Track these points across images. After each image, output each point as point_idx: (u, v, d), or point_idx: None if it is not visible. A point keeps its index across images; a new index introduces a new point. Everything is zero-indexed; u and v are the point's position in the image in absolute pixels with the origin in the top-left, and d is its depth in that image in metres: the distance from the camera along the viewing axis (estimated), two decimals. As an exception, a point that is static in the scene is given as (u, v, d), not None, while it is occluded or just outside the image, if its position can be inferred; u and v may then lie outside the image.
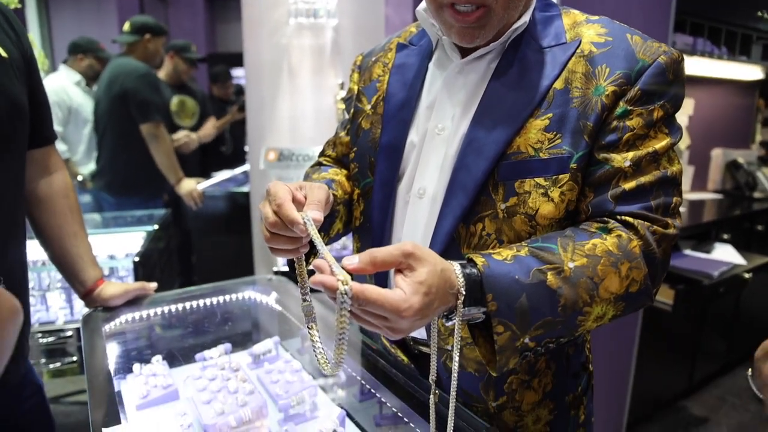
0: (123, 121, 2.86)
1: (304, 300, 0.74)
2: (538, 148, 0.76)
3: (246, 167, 3.78)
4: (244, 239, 2.56)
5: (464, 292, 0.65)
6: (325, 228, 0.92)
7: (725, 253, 2.66)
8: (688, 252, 2.64)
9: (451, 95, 0.85)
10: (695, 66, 2.91)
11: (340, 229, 0.99)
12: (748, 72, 3.44)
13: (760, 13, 3.11)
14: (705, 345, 2.89)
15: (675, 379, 2.83)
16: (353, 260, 0.59)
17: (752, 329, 3.17)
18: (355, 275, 0.60)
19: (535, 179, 0.76)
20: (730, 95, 3.66)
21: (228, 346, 1.09)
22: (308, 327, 0.73)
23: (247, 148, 4.17)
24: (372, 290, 0.57)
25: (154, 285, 1.33)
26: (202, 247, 3.40)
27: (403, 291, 0.58)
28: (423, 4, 0.86)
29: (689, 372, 2.87)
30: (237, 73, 5.50)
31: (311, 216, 0.68)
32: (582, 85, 0.76)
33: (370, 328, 0.61)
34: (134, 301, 1.30)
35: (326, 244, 0.76)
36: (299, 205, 0.71)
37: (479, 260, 0.68)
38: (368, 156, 0.93)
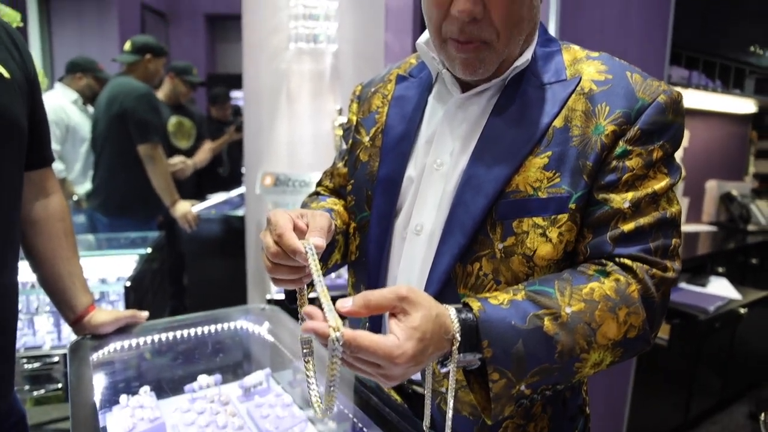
0: (121, 140, 2.86)
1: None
2: (537, 187, 0.75)
3: (242, 189, 3.77)
4: (238, 263, 2.54)
5: (459, 338, 0.64)
6: (324, 258, 0.90)
7: (720, 287, 2.66)
8: (683, 285, 2.63)
9: (451, 130, 0.84)
10: (691, 99, 2.94)
11: (338, 259, 0.97)
12: (741, 105, 3.49)
13: (752, 48, 3.16)
14: (701, 380, 2.87)
15: (671, 415, 2.79)
16: (347, 303, 0.59)
17: (748, 365, 3.15)
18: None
19: (534, 219, 0.76)
20: (725, 127, 3.70)
21: (218, 377, 1.08)
22: (305, 361, 0.71)
23: (244, 170, 4.22)
24: (364, 337, 0.56)
25: (145, 314, 1.31)
26: (196, 270, 3.37)
27: (396, 337, 0.58)
28: (423, 37, 0.86)
29: (685, 408, 2.83)
30: (236, 94, 5.54)
31: (313, 242, 0.67)
32: (582, 124, 0.76)
33: (364, 374, 0.60)
34: (124, 329, 1.27)
35: (324, 274, 0.75)
36: (301, 233, 0.70)
37: (475, 305, 0.68)
38: (365, 189, 0.92)
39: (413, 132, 0.88)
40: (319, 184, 1.10)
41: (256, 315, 1.40)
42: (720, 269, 2.91)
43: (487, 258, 0.78)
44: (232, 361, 1.26)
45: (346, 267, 1.02)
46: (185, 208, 3.01)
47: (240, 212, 3.30)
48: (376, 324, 0.90)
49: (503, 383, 0.67)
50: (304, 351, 0.71)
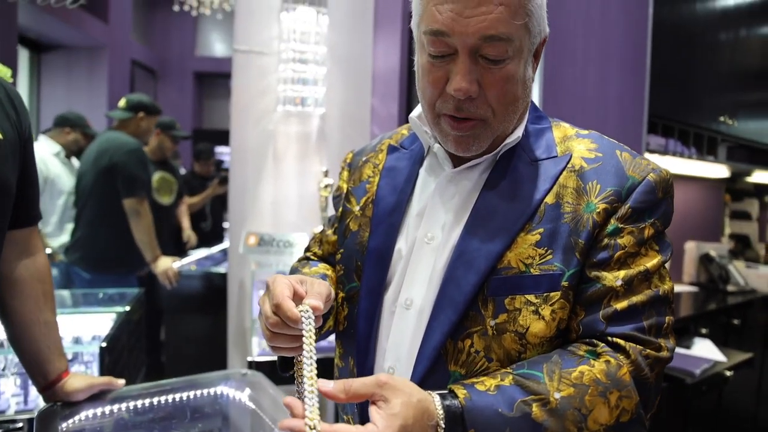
0: (107, 194, 2.85)
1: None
2: (529, 264, 0.75)
3: (225, 245, 3.77)
4: (219, 321, 2.50)
5: (444, 425, 0.63)
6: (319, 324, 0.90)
7: (705, 349, 2.65)
8: (668, 347, 2.61)
9: (443, 203, 0.84)
10: (669, 165, 3.04)
11: (331, 326, 0.96)
12: (715, 170, 3.62)
13: (722, 118, 3.30)
14: (689, 444, 2.82)
15: (660, 482, 2.72)
16: (328, 385, 0.59)
17: (735, 427, 3.12)
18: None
19: (526, 296, 0.75)
20: (701, 191, 3.82)
21: None
22: None
23: (226, 225, 4.12)
24: (342, 428, 0.56)
25: (122, 382, 1.25)
26: (174, 326, 3.29)
27: (375, 426, 0.58)
28: (416, 111, 0.87)
29: (674, 473, 2.77)
30: (220, 149, 5.58)
31: (310, 304, 0.67)
32: (573, 201, 0.76)
33: None
34: (97, 395, 1.22)
35: (316, 341, 0.73)
36: (300, 300, 0.69)
37: (461, 392, 0.67)
38: (355, 259, 0.91)
39: (404, 204, 0.88)
40: (307, 249, 1.09)
41: (237, 380, 1.36)
42: (703, 330, 2.92)
43: (478, 335, 0.77)
44: (212, 429, 1.23)
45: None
46: (166, 264, 2.96)
47: (222, 269, 3.27)
48: (363, 408, 0.86)
49: None
50: None
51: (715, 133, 3.34)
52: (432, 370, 0.78)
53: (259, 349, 1.92)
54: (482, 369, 0.76)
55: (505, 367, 0.74)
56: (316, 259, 1.05)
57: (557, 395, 0.68)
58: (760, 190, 4.33)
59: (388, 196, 0.90)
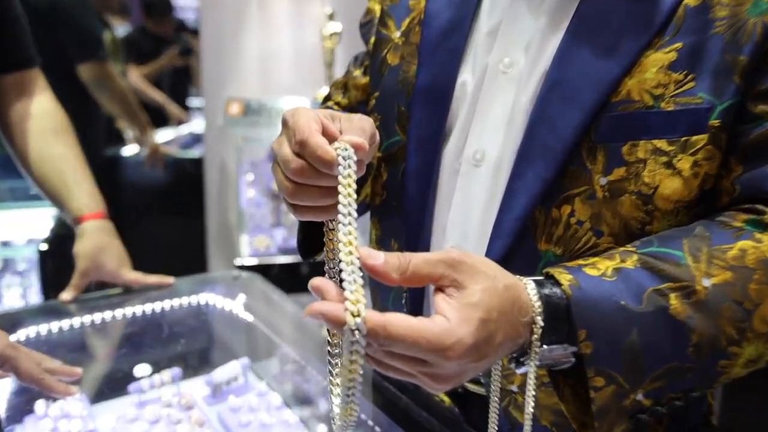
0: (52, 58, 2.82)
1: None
2: (658, 96, 0.71)
3: (194, 126, 3.78)
4: (194, 221, 2.54)
5: (543, 323, 0.60)
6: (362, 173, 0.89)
7: None
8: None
9: (529, 11, 0.79)
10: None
11: (368, 196, 0.96)
12: None
13: None
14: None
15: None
16: (376, 258, 0.54)
17: None
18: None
19: (654, 142, 0.71)
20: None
21: (177, 371, 1.07)
22: (330, 364, 0.67)
23: (197, 102, 4.30)
24: (398, 322, 0.51)
25: (171, 279, 1.34)
26: (137, 230, 3.27)
27: (446, 319, 0.54)
28: None
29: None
30: (184, 1, 5.46)
31: (350, 141, 0.62)
32: (730, 0, 0.70)
33: (400, 376, 0.57)
34: (45, 309, 1.28)
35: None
36: (332, 140, 0.65)
37: (564, 277, 0.64)
38: (397, 104, 0.89)
39: (468, 20, 0.84)
40: (327, 98, 1.08)
41: (227, 285, 1.39)
42: None
43: (582, 198, 0.74)
44: (196, 348, 1.26)
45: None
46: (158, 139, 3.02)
47: (195, 153, 3.30)
48: (417, 300, 0.87)
49: (611, 391, 0.63)
50: (331, 350, 0.68)
51: None
52: (514, 250, 0.76)
53: (251, 250, 1.96)
54: (587, 248, 0.75)
55: (621, 244, 0.71)
56: (339, 109, 1.03)
57: (707, 282, 0.65)
58: None
59: (443, 12, 0.86)
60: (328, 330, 0.67)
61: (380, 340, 0.51)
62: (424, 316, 0.53)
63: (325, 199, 0.66)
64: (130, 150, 3.20)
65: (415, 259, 0.55)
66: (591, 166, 0.74)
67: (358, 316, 0.49)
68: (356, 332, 0.50)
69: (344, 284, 0.51)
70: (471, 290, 0.56)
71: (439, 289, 0.57)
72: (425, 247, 0.85)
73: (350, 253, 0.53)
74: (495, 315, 0.56)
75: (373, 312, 0.50)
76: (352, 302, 0.49)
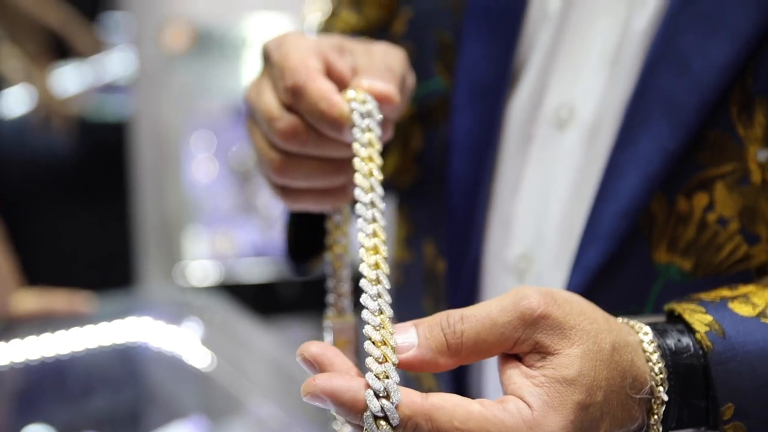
0: None
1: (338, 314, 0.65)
2: None
3: (114, 65, 3.38)
4: (118, 214, 2.29)
5: (666, 397, 0.48)
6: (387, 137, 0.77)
7: None
8: None
9: None
10: None
11: (394, 171, 0.85)
12: None
13: None
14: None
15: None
16: (410, 338, 0.44)
17: None
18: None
19: None
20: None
21: None
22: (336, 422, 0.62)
23: (118, 26, 4.08)
24: (451, 408, 0.41)
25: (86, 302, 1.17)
26: (31, 233, 2.98)
27: (527, 404, 0.42)
28: None
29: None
30: None
31: (372, 88, 0.54)
32: None
33: None
34: None
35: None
36: (343, 85, 0.56)
37: (700, 319, 0.52)
38: (438, 29, 0.80)
39: None
40: (329, 18, 0.97)
41: (171, 309, 1.29)
42: None
43: (727, 183, 0.64)
44: (123, 407, 1.16)
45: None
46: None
47: (117, 109, 2.94)
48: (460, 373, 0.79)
49: None
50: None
51: None
52: (616, 262, 0.66)
53: (207, 252, 1.80)
54: (734, 262, 0.64)
55: None
56: (350, 35, 0.92)
57: None
58: None
59: None
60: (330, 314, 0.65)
61: (419, 429, 0.41)
62: (474, 381, 0.55)
63: (329, 178, 0.60)
64: (15, 102, 2.70)
65: (470, 323, 0.44)
66: (744, 131, 0.63)
67: (387, 397, 0.40)
68: (382, 423, 0.40)
69: (364, 315, 0.43)
70: (564, 358, 0.45)
71: (512, 355, 0.47)
72: (476, 251, 0.74)
73: (376, 265, 0.44)
74: (600, 396, 0.46)
75: (411, 392, 0.41)
76: (380, 375, 0.39)
